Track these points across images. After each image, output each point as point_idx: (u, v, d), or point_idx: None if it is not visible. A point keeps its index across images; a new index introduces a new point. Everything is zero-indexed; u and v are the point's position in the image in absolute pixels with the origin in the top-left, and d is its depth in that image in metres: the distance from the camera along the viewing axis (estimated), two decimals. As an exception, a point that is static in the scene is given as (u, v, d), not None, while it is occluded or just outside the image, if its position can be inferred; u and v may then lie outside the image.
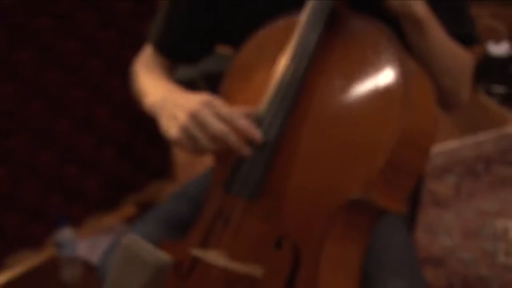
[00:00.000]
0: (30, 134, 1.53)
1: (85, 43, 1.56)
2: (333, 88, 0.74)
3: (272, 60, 0.79)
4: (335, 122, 0.73)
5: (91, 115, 1.66)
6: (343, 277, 0.75)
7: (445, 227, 1.88)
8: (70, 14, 1.51)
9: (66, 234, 1.59)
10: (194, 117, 0.72)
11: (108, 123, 1.71)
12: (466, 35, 0.88)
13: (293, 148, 0.74)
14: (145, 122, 1.77)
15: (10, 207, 1.55)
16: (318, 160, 0.73)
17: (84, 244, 1.71)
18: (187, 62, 1.03)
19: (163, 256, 0.52)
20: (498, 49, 2.96)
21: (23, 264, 1.63)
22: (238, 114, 0.73)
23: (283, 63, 0.76)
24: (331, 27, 0.77)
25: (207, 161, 1.12)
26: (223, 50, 1.07)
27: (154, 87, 0.91)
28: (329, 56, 0.76)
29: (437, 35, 0.80)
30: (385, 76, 0.71)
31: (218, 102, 0.74)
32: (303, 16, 0.77)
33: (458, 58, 0.85)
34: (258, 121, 0.75)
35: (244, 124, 0.73)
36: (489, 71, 2.87)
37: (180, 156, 2.00)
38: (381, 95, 0.71)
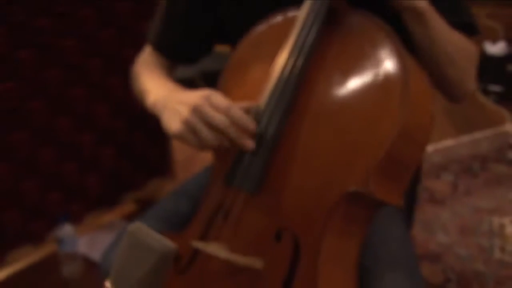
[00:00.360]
0: (31, 132, 1.53)
1: (86, 41, 1.57)
2: (332, 82, 0.75)
3: (270, 56, 0.79)
4: (334, 116, 0.74)
5: (91, 113, 1.66)
6: (342, 269, 0.76)
7: (442, 224, 1.89)
8: (71, 13, 1.51)
9: (66, 230, 1.61)
10: (195, 110, 0.74)
11: (108, 121, 1.71)
12: (465, 25, 0.88)
13: (293, 142, 0.75)
14: (144, 121, 1.79)
15: (11, 203, 1.55)
16: (318, 153, 0.74)
17: (84, 240, 1.72)
18: (186, 62, 1.05)
19: (168, 243, 0.53)
20: (494, 48, 2.97)
21: (24, 260, 1.64)
22: (236, 106, 0.74)
23: (282, 58, 0.78)
24: (329, 23, 0.78)
25: (205, 159, 1.13)
26: (221, 48, 1.08)
27: (156, 86, 0.92)
28: (328, 52, 0.77)
29: (440, 27, 0.80)
30: (384, 70, 0.72)
31: (218, 96, 0.75)
32: (302, 12, 0.78)
33: (461, 48, 0.85)
34: (258, 115, 0.76)
35: (239, 114, 0.74)
36: (486, 70, 2.88)
37: (179, 155, 2.01)
38: (380, 89, 0.72)
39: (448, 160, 2.28)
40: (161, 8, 1.01)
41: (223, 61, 0.89)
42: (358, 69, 0.74)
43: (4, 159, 1.50)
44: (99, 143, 1.71)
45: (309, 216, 0.73)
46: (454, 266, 1.70)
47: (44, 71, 1.50)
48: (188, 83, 0.93)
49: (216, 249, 0.75)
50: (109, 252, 0.95)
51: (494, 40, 3.05)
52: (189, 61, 1.04)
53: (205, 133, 0.73)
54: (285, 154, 0.76)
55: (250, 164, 0.76)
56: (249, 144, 0.75)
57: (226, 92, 0.80)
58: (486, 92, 2.82)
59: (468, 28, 0.89)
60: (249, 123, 0.74)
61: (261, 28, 0.85)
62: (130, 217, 1.82)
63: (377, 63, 0.73)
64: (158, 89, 0.90)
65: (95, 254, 1.70)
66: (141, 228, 0.54)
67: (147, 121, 1.82)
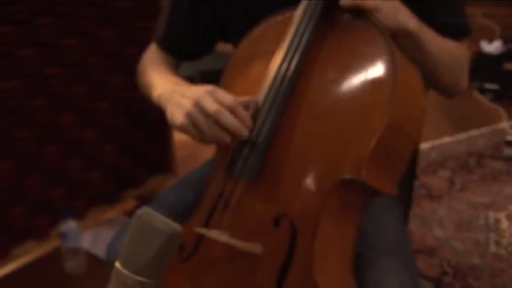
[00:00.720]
0: (35, 129, 1.54)
1: (87, 40, 1.58)
2: (326, 78, 0.79)
3: (269, 53, 0.83)
4: (329, 109, 0.78)
5: (93, 111, 1.67)
6: (338, 254, 0.79)
7: (439, 219, 1.91)
8: (73, 12, 1.53)
9: (70, 225, 1.62)
10: (198, 104, 0.77)
11: (110, 118, 1.72)
12: (459, 27, 0.93)
13: (290, 133, 0.79)
14: (146, 118, 1.81)
15: (16, 199, 1.56)
16: (314, 144, 0.77)
17: (86, 236, 1.74)
18: (189, 60, 1.09)
19: (174, 225, 0.56)
20: (491, 47, 3.01)
21: (28, 254, 1.66)
22: (237, 101, 0.78)
23: (279, 56, 0.81)
24: (324, 23, 0.81)
25: (206, 157, 1.16)
26: (220, 48, 1.12)
27: (162, 81, 0.96)
28: (323, 49, 0.81)
29: (432, 40, 0.84)
30: (375, 67, 0.76)
31: (220, 91, 0.78)
32: (298, 12, 0.82)
33: (453, 55, 0.90)
34: (256, 108, 0.79)
35: (240, 110, 0.77)
36: (482, 68, 2.91)
37: (180, 152, 2.03)
38: (371, 84, 0.76)
39: (445, 156, 2.31)
40: (166, 8, 1.05)
41: (223, 61, 0.92)
42: (351, 65, 0.78)
43: (9, 155, 1.51)
44: (101, 140, 1.72)
45: (306, 203, 0.76)
46: (451, 259, 1.73)
47: (46, 69, 1.52)
48: (188, 82, 0.96)
49: (218, 234, 0.78)
50: (115, 241, 0.98)
51: (491, 39, 3.09)
52: (191, 59, 1.09)
53: (205, 125, 0.77)
54: (282, 145, 0.79)
55: (249, 154, 0.79)
56: (247, 134, 0.78)
57: (228, 88, 0.83)
58: (482, 90, 2.85)
59: (463, 29, 0.93)
60: (247, 120, 0.78)
61: (261, 27, 0.89)
62: (131, 214, 1.84)
63: (369, 59, 0.77)
64: (163, 84, 0.94)
65: (97, 249, 1.73)
66: (148, 212, 0.57)
67: (149, 119, 1.85)
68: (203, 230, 0.80)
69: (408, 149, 0.81)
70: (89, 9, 1.56)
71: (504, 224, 1.89)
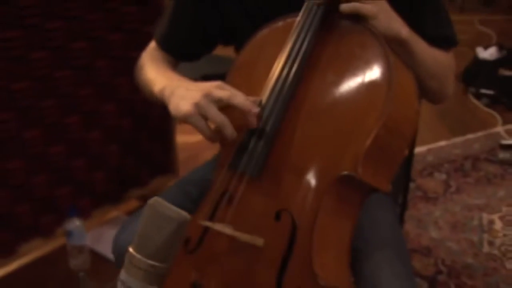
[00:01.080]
0: (42, 129, 1.57)
1: (95, 44, 1.61)
2: (326, 80, 0.84)
3: (271, 57, 0.87)
4: (328, 110, 0.82)
5: (99, 112, 1.70)
6: (335, 248, 0.83)
7: (434, 220, 1.95)
8: (81, 17, 1.56)
9: (75, 224, 1.65)
10: (208, 95, 0.80)
11: (115, 119, 1.75)
12: (447, 38, 1.00)
13: (292, 132, 0.83)
14: (149, 120, 1.84)
15: (23, 197, 1.58)
16: (314, 143, 0.82)
17: (90, 235, 1.76)
18: (188, 60, 1.12)
19: (183, 213, 0.61)
20: (486, 53, 3.05)
21: (34, 252, 1.68)
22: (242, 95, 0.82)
23: (281, 60, 0.86)
24: (324, 28, 0.86)
25: (208, 158, 1.20)
26: (220, 53, 1.15)
27: (164, 77, 0.98)
28: (322, 53, 0.86)
29: (421, 48, 0.90)
30: (371, 70, 0.81)
31: (228, 86, 0.83)
32: (299, 19, 0.87)
33: (440, 63, 0.96)
34: (260, 108, 0.84)
35: (246, 100, 0.81)
36: (478, 74, 2.96)
37: (182, 154, 2.06)
38: (367, 87, 0.81)
39: (441, 159, 2.35)
40: (169, 7, 1.07)
41: (224, 65, 0.96)
42: (348, 69, 0.83)
43: (17, 154, 1.54)
44: (106, 141, 1.75)
45: (306, 198, 0.81)
46: (445, 259, 1.76)
47: (56, 71, 1.55)
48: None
49: (222, 227, 0.82)
50: (120, 233, 1.02)
51: (487, 45, 3.13)
52: (192, 59, 1.12)
53: (213, 114, 0.80)
54: (284, 142, 0.83)
55: (253, 150, 0.83)
56: (255, 122, 0.81)
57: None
58: (478, 96, 2.90)
59: (450, 40, 1.00)
60: (254, 106, 0.82)
61: (264, 31, 0.93)
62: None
63: (365, 63, 0.82)
64: (166, 79, 0.96)
65: (100, 248, 1.76)
66: (159, 201, 0.62)
67: (152, 120, 1.88)
68: (208, 223, 0.84)
69: (402, 148, 0.86)
70: (98, 14, 1.59)
71: (498, 225, 1.94)
